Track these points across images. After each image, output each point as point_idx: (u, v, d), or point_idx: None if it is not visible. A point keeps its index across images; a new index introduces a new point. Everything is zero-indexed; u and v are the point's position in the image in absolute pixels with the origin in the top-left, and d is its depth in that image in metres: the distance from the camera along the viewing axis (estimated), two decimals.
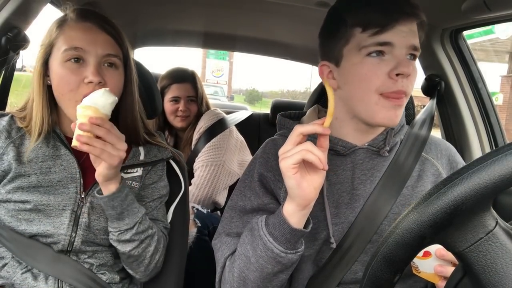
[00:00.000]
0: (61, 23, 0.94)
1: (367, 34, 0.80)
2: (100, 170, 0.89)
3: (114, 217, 0.94)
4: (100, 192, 0.93)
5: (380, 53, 0.80)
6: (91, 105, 0.86)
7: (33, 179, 0.93)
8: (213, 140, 1.86)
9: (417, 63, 1.45)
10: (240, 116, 2.30)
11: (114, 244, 0.98)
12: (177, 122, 1.92)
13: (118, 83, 0.98)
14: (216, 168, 1.82)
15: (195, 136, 1.92)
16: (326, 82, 0.82)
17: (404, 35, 0.80)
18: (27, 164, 0.93)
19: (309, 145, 0.72)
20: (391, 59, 0.80)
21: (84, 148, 0.84)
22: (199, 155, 1.85)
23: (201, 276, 1.51)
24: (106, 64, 0.94)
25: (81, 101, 0.90)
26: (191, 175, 1.86)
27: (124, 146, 0.88)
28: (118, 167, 0.90)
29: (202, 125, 1.91)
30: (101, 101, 0.87)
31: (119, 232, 0.95)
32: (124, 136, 0.89)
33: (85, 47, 0.91)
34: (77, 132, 0.84)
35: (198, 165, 1.83)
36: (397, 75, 0.79)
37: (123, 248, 0.97)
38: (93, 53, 0.92)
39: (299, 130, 0.73)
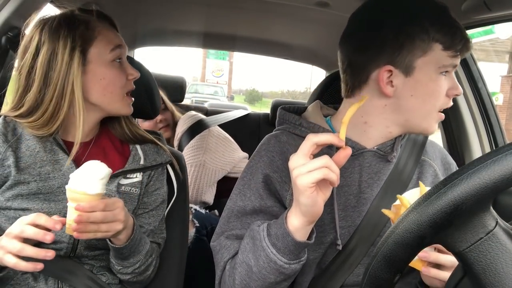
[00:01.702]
0: (87, 23, 0.94)
1: (447, 54, 0.81)
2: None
3: (120, 258, 0.95)
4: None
5: (446, 72, 0.84)
6: (78, 190, 0.78)
7: (32, 186, 0.91)
8: (191, 142, 1.86)
9: None
10: (223, 117, 2.28)
11: (115, 272, 0.99)
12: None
13: None
14: (197, 168, 1.82)
15: (175, 142, 1.92)
16: (361, 100, 0.75)
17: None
18: (26, 170, 0.91)
19: (327, 159, 0.67)
20: (448, 79, 0.84)
21: (79, 236, 0.80)
22: None
23: (201, 276, 1.51)
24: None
25: (126, 96, 0.99)
26: None
27: (121, 216, 0.83)
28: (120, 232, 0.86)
29: (179, 130, 1.91)
30: (91, 181, 0.78)
31: (121, 268, 0.96)
32: (120, 201, 0.85)
33: (122, 44, 0.99)
34: (68, 219, 0.79)
35: None
36: (455, 95, 0.85)
37: (122, 277, 0.99)
38: (124, 51, 1.00)
39: (313, 140, 0.68)
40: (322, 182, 0.70)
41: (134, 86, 1.02)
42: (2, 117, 0.96)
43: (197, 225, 1.67)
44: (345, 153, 0.70)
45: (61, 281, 0.93)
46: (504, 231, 0.44)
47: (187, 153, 1.85)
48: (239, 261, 0.80)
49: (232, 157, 1.98)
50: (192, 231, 1.63)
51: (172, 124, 1.96)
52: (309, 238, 0.76)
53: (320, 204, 0.71)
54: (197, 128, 1.91)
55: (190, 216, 1.67)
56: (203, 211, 1.78)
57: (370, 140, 0.89)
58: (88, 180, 0.78)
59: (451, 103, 0.86)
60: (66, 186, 0.79)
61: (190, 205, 1.75)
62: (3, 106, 1.06)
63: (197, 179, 1.81)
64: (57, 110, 0.92)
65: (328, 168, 0.67)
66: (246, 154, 2.09)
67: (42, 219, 0.77)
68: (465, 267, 0.46)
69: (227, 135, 2.06)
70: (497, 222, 0.44)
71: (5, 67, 1.07)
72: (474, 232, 0.44)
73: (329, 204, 0.85)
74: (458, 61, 0.83)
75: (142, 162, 1.05)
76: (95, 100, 0.96)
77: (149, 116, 1.30)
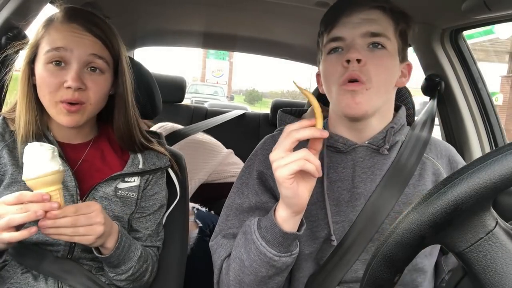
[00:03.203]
0: (48, 23, 0.92)
1: (326, 34, 0.87)
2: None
3: (111, 266, 0.94)
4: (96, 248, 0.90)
5: (337, 49, 0.85)
6: (25, 178, 0.77)
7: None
8: None
9: (417, 63, 1.45)
10: (207, 123, 2.18)
11: (109, 279, 0.98)
12: None
13: (101, 88, 0.94)
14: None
15: None
16: (304, 90, 0.76)
17: (353, 26, 0.84)
18: (22, 171, 0.90)
19: (305, 153, 0.69)
20: (343, 53, 0.84)
21: (55, 236, 0.80)
22: None
23: (203, 277, 1.51)
24: (89, 69, 0.91)
25: (60, 103, 0.88)
26: None
27: (99, 218, 0.82)
28: (104, 236, 0.86)
29: None
30: (26, 167, 0.76)
31: (114, 275, 0.96)
32: (97, 203, 0.85)
33: (68, 48, 0.88)
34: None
35: None
36: (347, 62, 0.81)
37: (117, 283, 0.98)
38: (76, 55, 0.89)
39: (295, 137, 0.69)
40: (305, 174, 0.71)
41: (74, 97, 0.89)
42: (1, 117, 0.96)
43: (200, 225, 1.66)
44: (319, 139, 0.72)
45: (60, 281, 0.93)
46: (504, 231, 0.44)
47: None
48: (233, 257, 0.81)
49: (207, 162, 1.88)
50: (195, 232, 1.62)
51: None
52: (298, 230, 0.77)
53: (302, 195, 0.72)
54: (172, 139, 1.80)
55: (193, 217, 1.65)
56: (204, 209, 1.76)
57: (344, 133, 0.90)
58: (25, 166, 0.77)
59: (352, 68, 0.81)
60: (25, 179, 0.78)
61: (192, 204, 1.73)
62: (3, 106, 1.06)
63: None
64: (19, 115, 0.91)
65: (306, 160, 0.68)
66: (228, 151, 2.00)
67: (27, 196, 0.75)
68: (465, 267, 0.46)
69: (200, 137, 1.95)
70: (497, 222, 0.44)
71: (5, 67, 1.07)
72: (474, 232, 0.44)
73: (321, 199, 0.87)
74: (337, 31, 0.85)
75: (141, 166, 1.03)
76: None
77: (150, 116, 1.30)
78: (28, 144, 0.78)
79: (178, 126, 1.93)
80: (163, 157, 1.09)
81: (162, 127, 1.87)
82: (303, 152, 0.69)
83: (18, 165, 0.91)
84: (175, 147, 1.77)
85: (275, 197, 0.90)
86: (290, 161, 0.68)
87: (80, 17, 0.92)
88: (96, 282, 0.96)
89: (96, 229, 0.82)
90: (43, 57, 0.89)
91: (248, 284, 0.79)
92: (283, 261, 0.76)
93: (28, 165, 0.76)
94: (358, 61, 0.80)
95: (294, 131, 0.70)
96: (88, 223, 0.81)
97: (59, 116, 0.90)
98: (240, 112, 2.61)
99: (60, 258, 0.94)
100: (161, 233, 1.11)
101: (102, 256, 0.90)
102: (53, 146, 0.78)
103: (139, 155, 1.05)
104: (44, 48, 0.90)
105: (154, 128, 1.88)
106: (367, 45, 0.83)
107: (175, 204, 1.14)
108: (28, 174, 0.77)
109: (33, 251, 0.92)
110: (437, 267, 0.95)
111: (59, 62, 0.89)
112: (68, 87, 0.88)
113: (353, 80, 0.82)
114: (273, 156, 0.71)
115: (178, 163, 1.19)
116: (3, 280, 0.92)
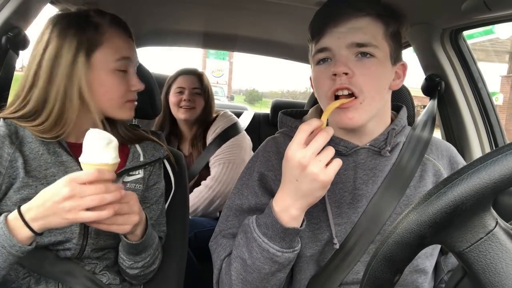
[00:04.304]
0: (97, 27, 0.93)
1: (313, 44, 0.86)
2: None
3: (132, 254, 0.95)
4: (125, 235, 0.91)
5: (326, 60, 0.85)
6: (83, 162, 0.78)
7: (40, 189, 0.87)
8: (232, 139, 1.90)
9: (416, 62, 1.45)
10: (246, 120, 2.39)
11: (123, 267, 0.99)
12: (180, 114, 1.93)
13: None
14: (235, 166, 1.85)
15: (209, 137, 1.93)
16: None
17: (339, 36, 0.82)
18: (32, 173, 0.89)
19: (333, 150, 0.72)
20: (331, 64, 0.83)
21: (94, 225, 0.81)
22: (217, 153, 1.88)
23: (199, 278, 1.51)
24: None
25: (127, 102, 0.97)
26: (194, 175, 1.89)
27: (136, 207, 0.85)
28: (136, 225, 0.87)
29: (218, 126, 1.94)
30: (85, 152, 0.78)
31: (132, 263, 0.97)
32: (134, 194, 0.87)
33: (131, 58, 0.98)
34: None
35: (217, 163, 1.86)
36: (334, 75, 0.81)
37: (131, 271, 0.99)
38: (133, 63, 1.00)
39: (327, 137, 0.72)
40: None
41: (136, 97, 1.02)
42: (1, 120, 0.92)
43: None
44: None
45: (61, 283, 0.93)
46: (504, 231, 0.44)
47: (226, 150, 1.88)
48: (234, 257, 0.81)
49: None
50: None
51: (200, 112, 1.95)
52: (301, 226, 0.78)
53: None
54: (232, 130, 1.95)
55: None
56: None
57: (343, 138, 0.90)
58: (85, 150, 0.78)
59: (340, 81, 0.81)
60: (83, 162, 0.78)
61: None
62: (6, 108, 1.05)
63: (233, 175, 1.82)
64: (62, 113, 0.91)
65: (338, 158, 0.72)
66: None
67: (106, 173, 0.76)
68: (465, 267, 0.46)
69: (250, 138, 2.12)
70: (497, 222, 0.44)
71: (5, 67, 1.07)
72: (474, 232, 0.44)
73: (323, 201, 0.87)
74: (324, 42, 0.84)
75: (141, 159, 1.06)
76: (92, 105, 0.94)
77: (149, 116, 1.31)
78: (91, 129, 0.79)
79: (238, 120, 2.06)
80: (160, 148, 1.12)
81: (231, 117, 2.02)
82: (332, 150, 0.72)
83: (26, 170, 0.89)
84: (246, 140, 1.98)
85: None
86: (326, 161, 0.71)
87: (125, 25, 0.99)
88: (97, 283, 0.96)
89: (133, 218, 0.84)
90: (112, 64, 0.94)
91: (251, 282, 0.79)
92: (285, 257, 0.76)
93: (88, 150, 0.77)
94: (346, 73, 0.80)
95: (325, 132, 0.72)
96: (127, 211, 0.83)
97: (125, 112, 1.00)
98: (252, 112, 2.66)
99: (61, 259, 0.94)
100: (164, 224, 1.12)
101: (132, 242, 0.91)
102: (112, 137, 0.79)
103: (139, 148, 1.07)
104: (110, 55, 0.94)
105: (227, 113, 2.03)
106: (354, 55, 0.82)
107: (175, 200, 1.16)
108: (86, 158, 0.77)
109: (34, 253, 0.91)
110: (436, 267, 0.95)
111: (125, 70, 0.97)
112: (136, 90, 1.00)
113: (343, 94, 0.81)
114: (306, 160, 0.70)
115: (178, 162, 1.21)
116: (5, 284, 0.91)
